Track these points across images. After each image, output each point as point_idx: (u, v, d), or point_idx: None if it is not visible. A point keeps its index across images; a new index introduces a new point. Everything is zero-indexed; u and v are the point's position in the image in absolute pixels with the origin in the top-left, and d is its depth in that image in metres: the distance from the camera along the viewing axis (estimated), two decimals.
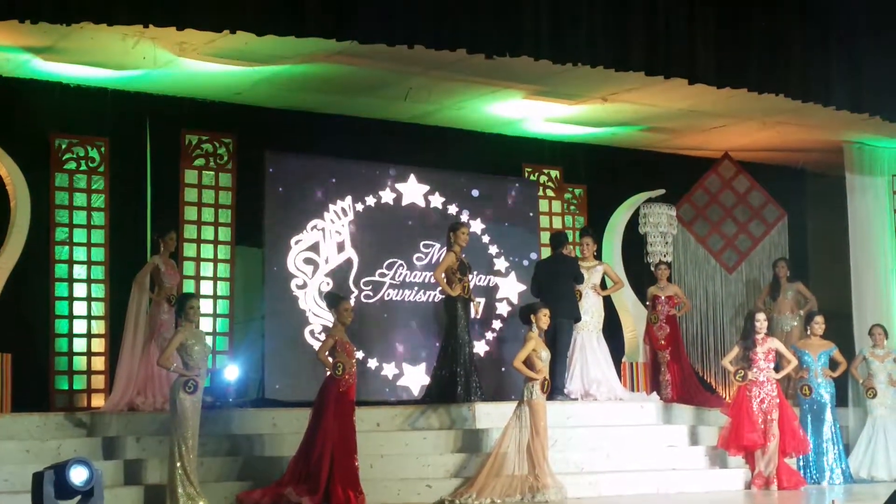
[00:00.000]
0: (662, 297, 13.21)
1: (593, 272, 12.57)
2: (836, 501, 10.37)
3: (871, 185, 14.33)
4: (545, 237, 13.77)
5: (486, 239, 13.44)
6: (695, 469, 11.44)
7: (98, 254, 11.66)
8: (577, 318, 12.26)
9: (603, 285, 12.86)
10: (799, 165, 15.47)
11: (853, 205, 14.29)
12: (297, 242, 12.33)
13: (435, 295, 12.66)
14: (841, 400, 12.77)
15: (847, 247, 14.26)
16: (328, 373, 9.75)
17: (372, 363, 12.49)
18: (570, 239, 13.27)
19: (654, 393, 12.80)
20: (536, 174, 14.28)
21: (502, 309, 13.44)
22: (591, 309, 12.48)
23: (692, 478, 11.17)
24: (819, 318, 12.36)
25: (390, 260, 12.81)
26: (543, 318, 10.37)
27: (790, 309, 13.87)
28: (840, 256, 14.37)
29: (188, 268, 12.00)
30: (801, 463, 11.87)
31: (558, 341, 11.84)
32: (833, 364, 12.35)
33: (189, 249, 12.05)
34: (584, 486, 10.50)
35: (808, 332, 12.42)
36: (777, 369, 11.51)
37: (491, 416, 11.02)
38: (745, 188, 15.02)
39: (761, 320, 11.47)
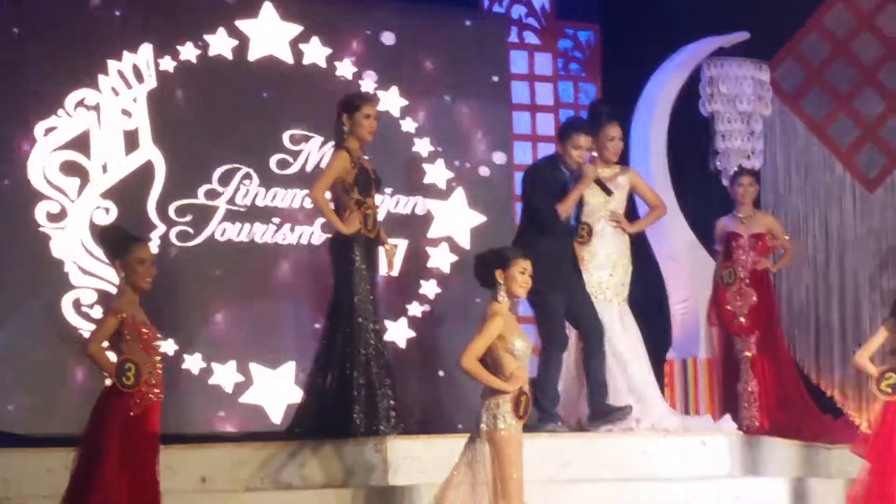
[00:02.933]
0: (744, 237, 13.38)
1: (615, 188, 12.61)
2: None
3: None
4: (523, 122, 13.90)
5: (409, 126, 13.61)
6: None
7: None
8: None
9: (631, 212, 13.00)
10: None
11: None
12: (47, 133, 12.41)
13: (312, 233, 12.87)
14: None
15: None
16: (108, 382, 9.77)
17: (192, 362, 12.65)
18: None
19: (727, 416, 12.99)
20: (505, 2, 14.42)
21: (439, 260, 13.64)
22: (608, 259, 12.60)
23: None
24: None
25: (227, 167, 12.96)
26: (520, 276, 10.31)
27: None
28: None
29: None
30: None
31: (544, 325, 11.97)
32: None
33: None
34: None
35: None
36: None
37: (418, 461, 11.14)
38: None
39: None
